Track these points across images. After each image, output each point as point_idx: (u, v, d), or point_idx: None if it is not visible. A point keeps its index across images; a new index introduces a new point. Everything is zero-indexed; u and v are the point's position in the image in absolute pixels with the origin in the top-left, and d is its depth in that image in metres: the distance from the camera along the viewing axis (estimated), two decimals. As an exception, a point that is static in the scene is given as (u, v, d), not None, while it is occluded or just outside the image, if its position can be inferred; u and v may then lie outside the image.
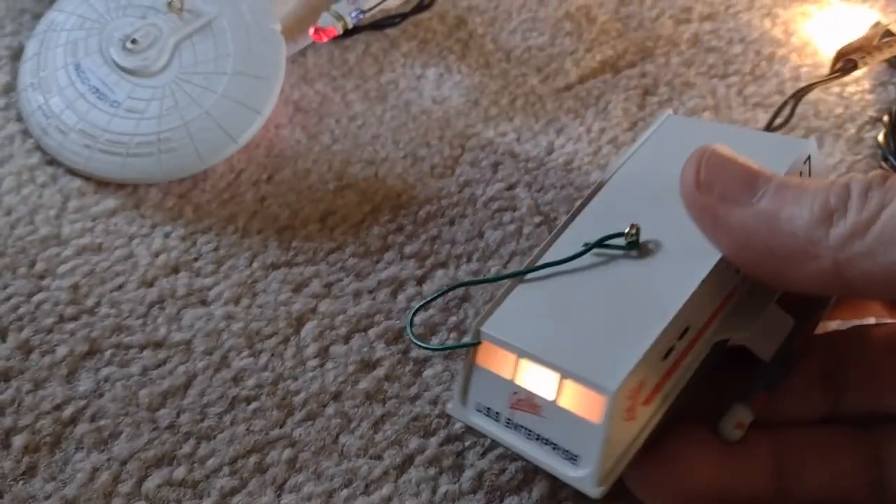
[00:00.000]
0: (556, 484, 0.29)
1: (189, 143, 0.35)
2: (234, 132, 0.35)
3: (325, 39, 0.39)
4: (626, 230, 0.27)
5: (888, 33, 0.40)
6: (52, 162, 0.36)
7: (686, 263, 0.26)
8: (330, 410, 0.30)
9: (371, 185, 0.37)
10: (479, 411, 0.28)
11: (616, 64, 0.42)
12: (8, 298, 0.32)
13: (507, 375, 0.27)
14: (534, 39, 0.43)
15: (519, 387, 0.26)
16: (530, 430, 0.26)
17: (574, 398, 0.25)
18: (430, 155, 0.38)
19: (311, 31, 0.39)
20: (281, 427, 0.30)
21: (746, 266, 0.26)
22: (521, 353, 0.26)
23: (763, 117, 0.40)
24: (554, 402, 0.26)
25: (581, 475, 0.25)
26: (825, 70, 0.42)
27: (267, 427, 0.30)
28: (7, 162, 0.36)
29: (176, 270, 0.33)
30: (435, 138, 0.39)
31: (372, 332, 0.32)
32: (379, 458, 0.29)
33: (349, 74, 0.41)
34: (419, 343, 0.30)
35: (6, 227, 0.34)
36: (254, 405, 0.30)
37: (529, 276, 0.29)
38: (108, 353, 0.31)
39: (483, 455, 0.29)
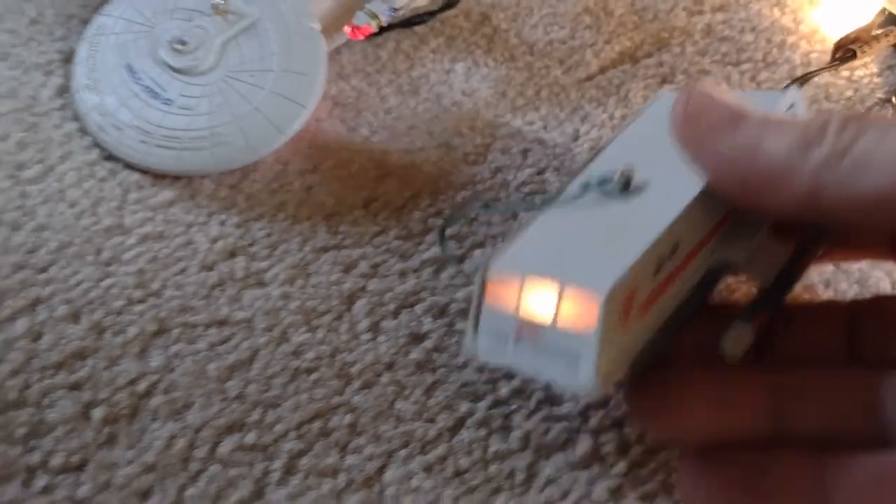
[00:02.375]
0: (598, 441, 0.31)
1: (240, 136, 0.37)
2: (281, 125, 0.37)
3: (360, 37, 0.41)
4: (619, 172, 0.30)
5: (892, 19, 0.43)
6: (109, 157, 0.38)
7: (677, 192, 0.29)
8: (385, 379, 0.32)
9: (409, 172, 0.39)
10: (489, 345, 0.29)
11: (634, 54, 0.45)
12: (79, 283, 0.34)
13: (511, 306, 0.28)
14: (555, 33, 0.45)
15: (522, 316, 0.28)
16: (534, 354, 0.28)
17: (570, 313, 0.27)
18: (462, 144, 0.40)
19: (348, 29, 0.41)
20: (340, 395, 0.32)
21: (728, 191, 0.27)
22: (524, 274, 0.28)
23: (776, 101, 0.43)
24: (553, 323, 0.27)
25: (579, 381, 0.27)
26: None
27: (328, 395, 0.32)
28: (68, 158, 0.38)
29: (233, 255, 0.36)
30: (466, 128, 0.41)
31: (419, 308, 0.35)
32: (432, 421, 0.32)
33: (382, 70, 0.43)
34: (448, 251, 0.35)
35: (71, 218, 0.36)
36: (314, 376, 0.32)
37: (535, 221, 0.30)
38: (175, 332, 0.33)
39: (529, 417, 0.32)
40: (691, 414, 0.28)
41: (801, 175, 0.25)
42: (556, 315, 0.27)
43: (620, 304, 0.27)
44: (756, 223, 0.30)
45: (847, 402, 0.28)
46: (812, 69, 0.44)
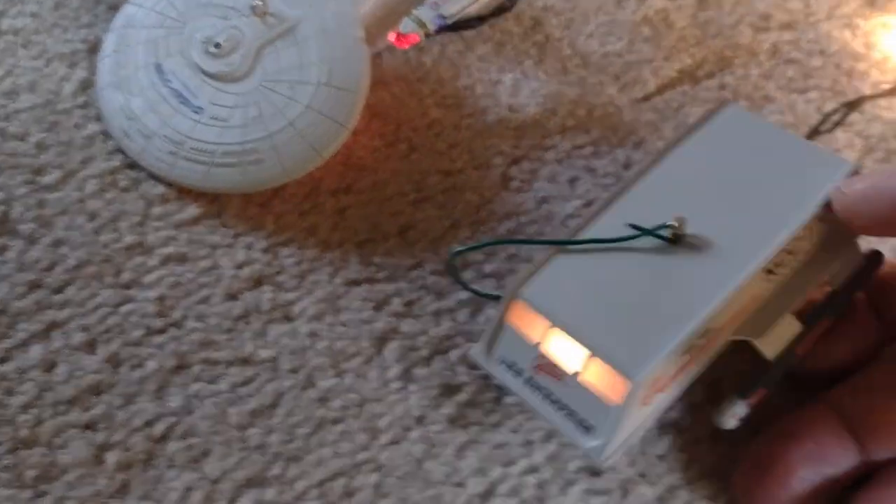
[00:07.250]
0: (637, 520, 0.29)
1: (274, 155, 0.35)
2: (318, 145, 0.35)
3: (405, 46, 0.38)
4: (673, 223, 0.29)
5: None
6: (132, 165, 0.36)
7: (724, 264, 0.28)
8: (414, 435, 0.31)
9: (449, 198, 0.37)
10: (503, 364, 0.29)
11: (695, 74, 0.42)
12: (96, 308, 0.32)
13: (535, 339, 0.28)
14: (611, 45, 0.42)
15: (546, 353, 0.28)
16: (550, 393, 0.28)
17: (598, 375, 0.27)
18: (507, 168, 0.38)
19: (393, 37, 0.38)
20: (367, 450, 0.30)
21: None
22: (557, 323, 0.27)
23: (843, 137, 0.40)
24: (578, 375, 0.27)
25: (594, 445, 0.27)
26: (908, 89, 0.41)
27: (353, 450, 0.30)
28: (89, 164, 0.36)
29: (259, 283, 0.34)
30: (510, 148, 0.39)
31: (453, 355, 0.33)
32: (462, 485, 0.30)
33: (426, 78, 0.40)
34: (465, 283, 0.33)
35: (91, 232, 0.34)
36: (340, 427, 0.31)
37: (572, 248, 0.29)
38: (196, 369, 0.31)
39: (564, 489, 0.30)
40: None
41: None
42: (583, 370, 0.27)
43: (648, 385, 0.26)
44: (784, 304, 0.29)
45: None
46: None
